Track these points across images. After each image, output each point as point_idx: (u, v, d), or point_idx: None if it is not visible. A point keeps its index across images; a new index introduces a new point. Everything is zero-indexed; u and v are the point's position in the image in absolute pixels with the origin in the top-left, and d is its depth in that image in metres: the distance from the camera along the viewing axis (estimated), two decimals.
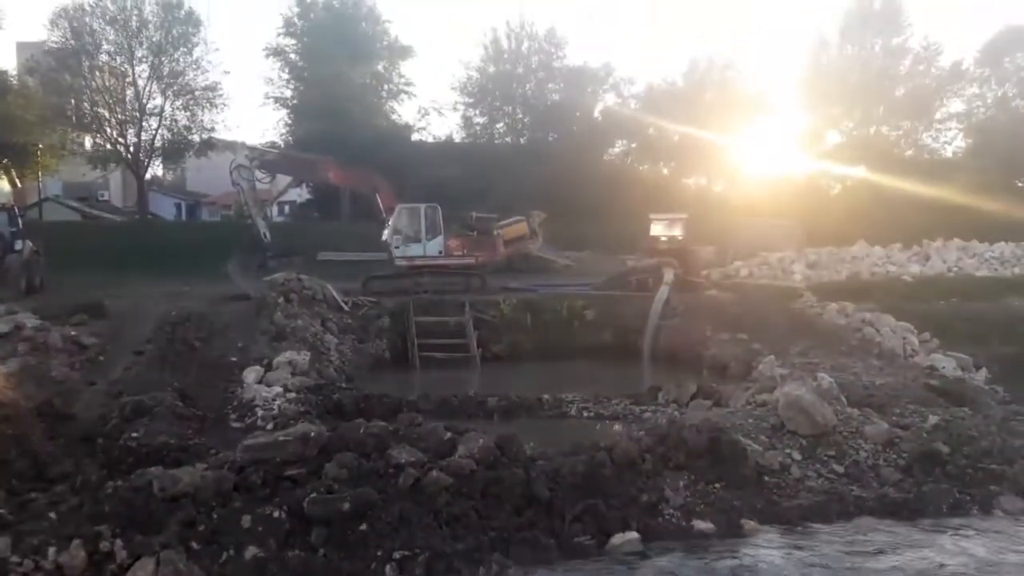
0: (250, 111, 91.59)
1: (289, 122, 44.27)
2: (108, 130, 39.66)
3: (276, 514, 7.34)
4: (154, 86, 39.41)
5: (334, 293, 19.67)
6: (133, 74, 39.44)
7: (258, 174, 22.18)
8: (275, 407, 11.74)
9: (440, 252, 22.29)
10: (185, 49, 39.33)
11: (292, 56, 44.03)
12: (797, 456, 9.59)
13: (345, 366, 16.13)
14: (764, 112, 44.80)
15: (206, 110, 40.72)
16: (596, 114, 46.04)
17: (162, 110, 40.01)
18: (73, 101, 38.75)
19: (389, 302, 19.97)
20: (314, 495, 7.49)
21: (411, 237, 22.14)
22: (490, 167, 39.37)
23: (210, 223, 50.88)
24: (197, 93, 40.26)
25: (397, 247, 22.05)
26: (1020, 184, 41.97)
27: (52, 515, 7.20)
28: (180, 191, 58.76)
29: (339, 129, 37.21)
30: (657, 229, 25.31)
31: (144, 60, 38.99)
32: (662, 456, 9.00)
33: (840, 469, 9.46)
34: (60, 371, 12.47)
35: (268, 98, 44.85)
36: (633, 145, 47.01)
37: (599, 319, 20.24)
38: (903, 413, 11.16)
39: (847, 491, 9.00)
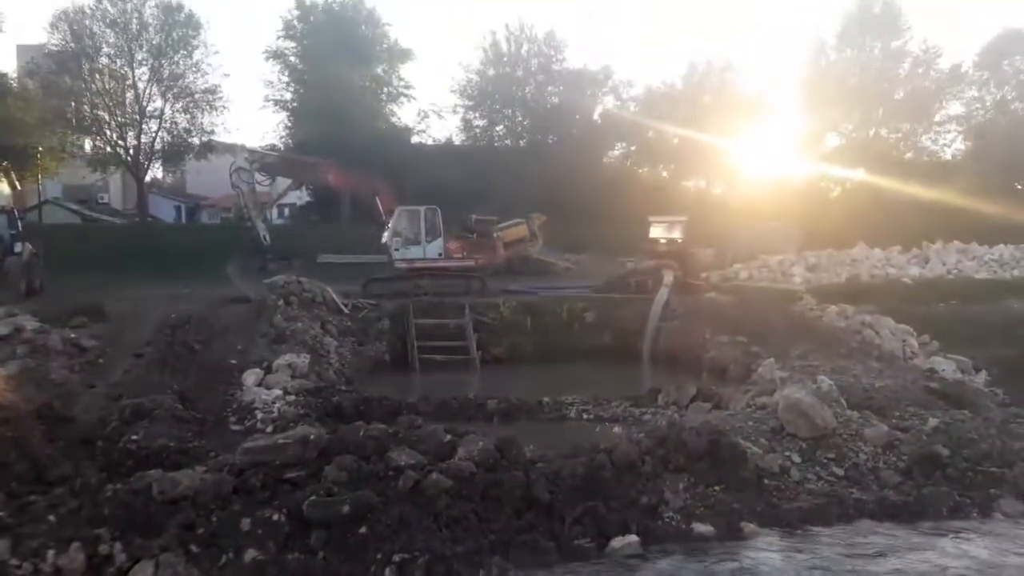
0: (250, 114, 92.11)
1: (289, 125, 44.19)
2: (108, 133, 39.65)
3: (275, 517, 7.35)
4: (154, 89, 39.47)
5: (334, 296, 19.69)
6: (133, 77, 39.50)
7: (258, 177, 22.21)
8: (275, 410, 11.73)
9: (440, 255, 22.31)
10: (185, 52, 39.42)
11: (292, 59, 43.94)
12: (797, 459, 9.59)
13: (345, 368, 16.15)
14: (763, 115, 44.74)
15: (206, 113, 40.80)
16: (595, 117, 45.94)
17: (162, 113, 40.07)
18: (73, 104, 38.69)
19: (389, 304, 20.00)
20: (314, 498, 7.49)
21: (411, 240, 22.16)
22: (490, 170, 39.32)
23: (210, 226, 50.78)
24: (197, 96, 40.30)
25: (397, 249, 22.05)
26: (1019, 187, 41.89)
27: (51, 518, 7.22)
28: (180, 194, 58.70)
29: (339, 132, 37.14)
30: (656, 231, 25.36)
31: (144, 63, 39.05)
32: (662, 458, 9.00)
33: (840, 472, 9.46)
34: (60, 374, 12.43)
35: (268, 101, 44.89)
36: (632, 148, 46.95)
37: (599, 321, 20.28)
38: (903, 416, 11.17)
39: (847, 494, 8.98)
